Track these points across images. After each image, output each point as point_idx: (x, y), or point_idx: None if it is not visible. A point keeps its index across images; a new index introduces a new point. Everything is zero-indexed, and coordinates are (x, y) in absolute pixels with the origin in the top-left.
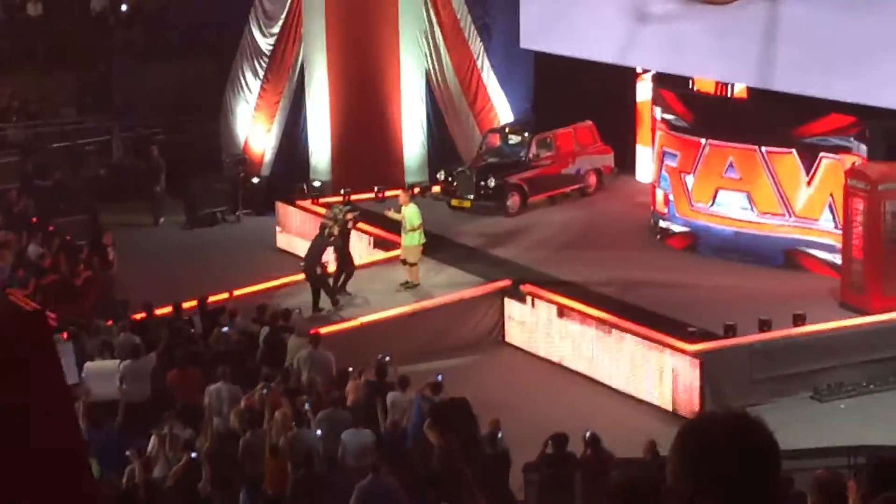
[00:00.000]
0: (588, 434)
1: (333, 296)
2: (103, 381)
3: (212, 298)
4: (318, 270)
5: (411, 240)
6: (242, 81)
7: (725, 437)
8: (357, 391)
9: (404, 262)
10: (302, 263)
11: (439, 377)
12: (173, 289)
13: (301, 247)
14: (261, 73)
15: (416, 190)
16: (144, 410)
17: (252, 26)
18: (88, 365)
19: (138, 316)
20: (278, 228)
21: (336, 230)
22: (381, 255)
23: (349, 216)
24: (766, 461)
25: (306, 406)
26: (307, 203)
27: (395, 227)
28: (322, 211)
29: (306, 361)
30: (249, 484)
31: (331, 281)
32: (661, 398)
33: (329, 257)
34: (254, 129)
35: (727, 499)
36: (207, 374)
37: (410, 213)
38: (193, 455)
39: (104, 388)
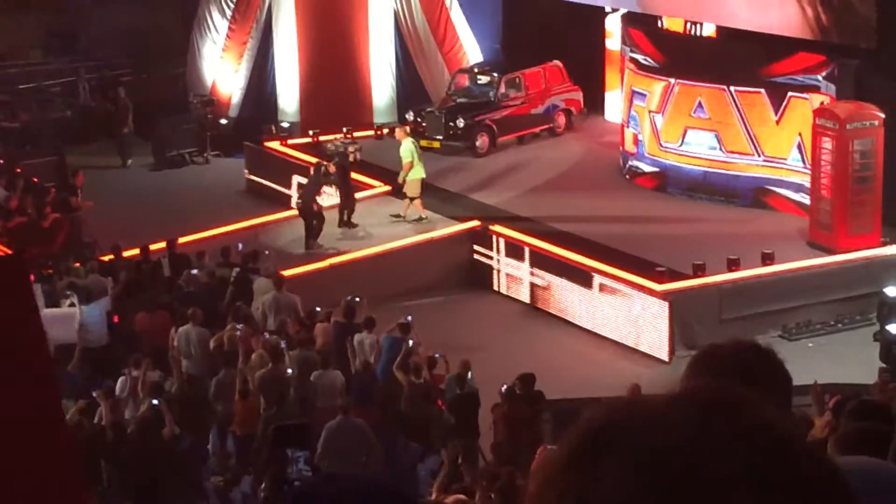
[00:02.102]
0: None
1: (314, 238)
2: (60, 326)
3: (181, 240)
4: (315, 208)
5: (404, 174)
6: (209, 21)
7: (732, 361)
8: (325, 333)
9: (405, 196)
10: (298, 200)
11: (409, 318)
12: (142, 231)
13: (270, 190)
14: (228, 12)
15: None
16: (104, 354)
17: None
18: (45, 311)
19: (106, 258)
20: (246, 170)
21: (332, 167)
22: (381, 188)
23: (351, 149)
24: (773, 384)
25: (282, 344)
26: (276, 144)
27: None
28: (297, 154)
29: (271, 305)
30: (220, 424)
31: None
32: (630, 338)
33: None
34: (221, 70)
35: None
36: (175, 317)
37: (403, 150)
38: (155, 402)
39: (61, 332)
